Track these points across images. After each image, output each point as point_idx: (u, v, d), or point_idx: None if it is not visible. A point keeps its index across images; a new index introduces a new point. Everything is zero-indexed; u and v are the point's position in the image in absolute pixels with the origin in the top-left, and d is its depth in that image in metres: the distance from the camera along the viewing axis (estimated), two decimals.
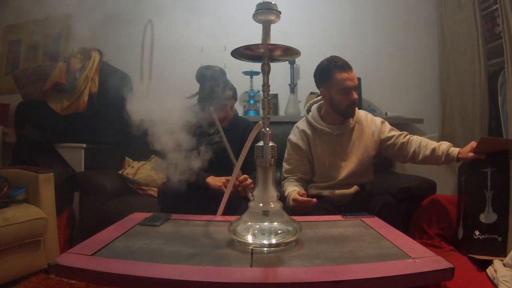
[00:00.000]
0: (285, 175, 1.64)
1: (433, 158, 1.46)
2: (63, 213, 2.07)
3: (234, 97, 1.68)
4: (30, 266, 1.69)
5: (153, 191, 2.13)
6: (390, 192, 1.65)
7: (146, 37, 2.79)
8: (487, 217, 1.18)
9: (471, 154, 1.29)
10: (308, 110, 1.67)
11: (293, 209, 1.41)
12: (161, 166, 2.12)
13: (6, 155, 2.53)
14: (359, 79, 2.43)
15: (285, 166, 1.64)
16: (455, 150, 1.39)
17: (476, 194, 1.23)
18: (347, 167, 1.56)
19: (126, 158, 2.34)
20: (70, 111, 2.25)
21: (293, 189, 1.49)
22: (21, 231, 1.61)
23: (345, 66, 1.49)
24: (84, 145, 2.31)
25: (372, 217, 1.21)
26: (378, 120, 1.62)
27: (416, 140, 1.53)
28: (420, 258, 0.81)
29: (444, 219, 1.40)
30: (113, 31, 2.57)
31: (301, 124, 1.65)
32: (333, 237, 1.00)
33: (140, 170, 2.24)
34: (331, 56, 1.55)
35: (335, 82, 1.48)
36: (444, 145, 1.45)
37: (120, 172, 2.24)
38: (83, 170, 2.28)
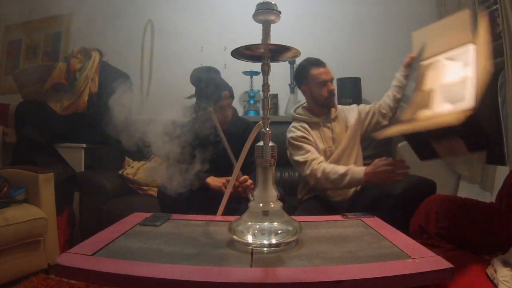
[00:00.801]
0: (311, 159, 1.56)
1: (396, 88, 1.67)
2: (63, 213, 2.07)
3: (231, 96, 1.68)
4: (30, 266, 1.69)
5: (153, 191, 2.13)
6: (390, 192, 1.66)
7: (146, 37, 2.79)
8: None
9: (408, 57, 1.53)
10: (295, 113, 1.76)
11: (371, 179, 1.44)
12: (156, 172, 2.12)
13: (6, 155, 2.53)
14: (358, 79, 2.46)
15: (303, 156, 1.58)
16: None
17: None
18: (341, 150, 1.64)
19: (126, 158, 2.34)
20: (70, 111, 2.25)
21: (347, 166, 1.51)
22: (21, 231, 1.61)
23: (318, 63, 1.67)
24: (84, 145, 2.32)
25: (372, 217, 1.21)
26: (354, 105, 1.81)
27: (383, 98, 1.73)
28: (420, 258, 0.81)
29: (444, 219, 1.40)
30: (113, 31, 2.57)
31: (296, 124, 1.69)
32: (333, 237, 1.00)
33: (140, 170, 2.24)
34: (306, 57, 1.71)
35: (311, 77, 1.65)
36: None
37: (120, 172, 2.25)
38: (83, 170, 2.29)
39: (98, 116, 2.18)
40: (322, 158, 1.58)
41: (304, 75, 1.67)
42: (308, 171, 1.54)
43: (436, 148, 1.16)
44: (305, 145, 1.60)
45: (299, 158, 1.59)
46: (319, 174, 1.50)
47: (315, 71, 1.64)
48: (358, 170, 1.45)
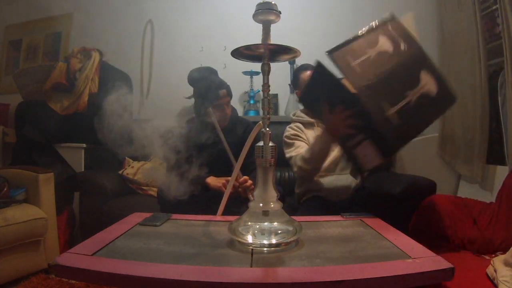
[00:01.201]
0: (298, 153, 1.59)
1: None
2: (63, 213, 2.07)
3: (229, 94, 1.68)
4: (30, 266, 1.69)
5: (153, 191, 2.13)
6: (390, 192, 1.66)
7: (146, 37, 2.79)
8: None
9: None
10: (293, 116, 1.81)
11: (332, 133, 1.37)
12: (156, 172, 2.12)
13: (6, 155, 2.53)
14: None
15: (293, 152, 1.62)
16: None
17: None
18: (337, 148, 1.61)
19: (126, 158, 2.34)
20: (70, 111, 2.25)
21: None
22: (21, 231, 1.61)
23: (307, 67, 1.73)
24: (84, 145, 2.31)
25: (372, 217, 1.21)
26: None
27: None
28: (420, 258, 0.81)
29: (444, 219, 1.40)
30: (113, 31, 2.57)
31: (291, 124, 1.75)
32: (333, 237, 1.00)
33: (140, 170, 2.24)
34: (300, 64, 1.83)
35: (302, 81, 1.73)
36: None
37: (120, 172, 2.25)
38: (83, 170, 2.28)
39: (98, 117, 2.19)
40: None
41: (297, 79, 1.77)
42: (295, 167, 1.58)
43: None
44: (296, 142, 1.65)
45: (290, 154, 1.64)
46: (299, 162, 1.53)
47: (303, 74, 1.73)
48: (320, 134, 1.45)
